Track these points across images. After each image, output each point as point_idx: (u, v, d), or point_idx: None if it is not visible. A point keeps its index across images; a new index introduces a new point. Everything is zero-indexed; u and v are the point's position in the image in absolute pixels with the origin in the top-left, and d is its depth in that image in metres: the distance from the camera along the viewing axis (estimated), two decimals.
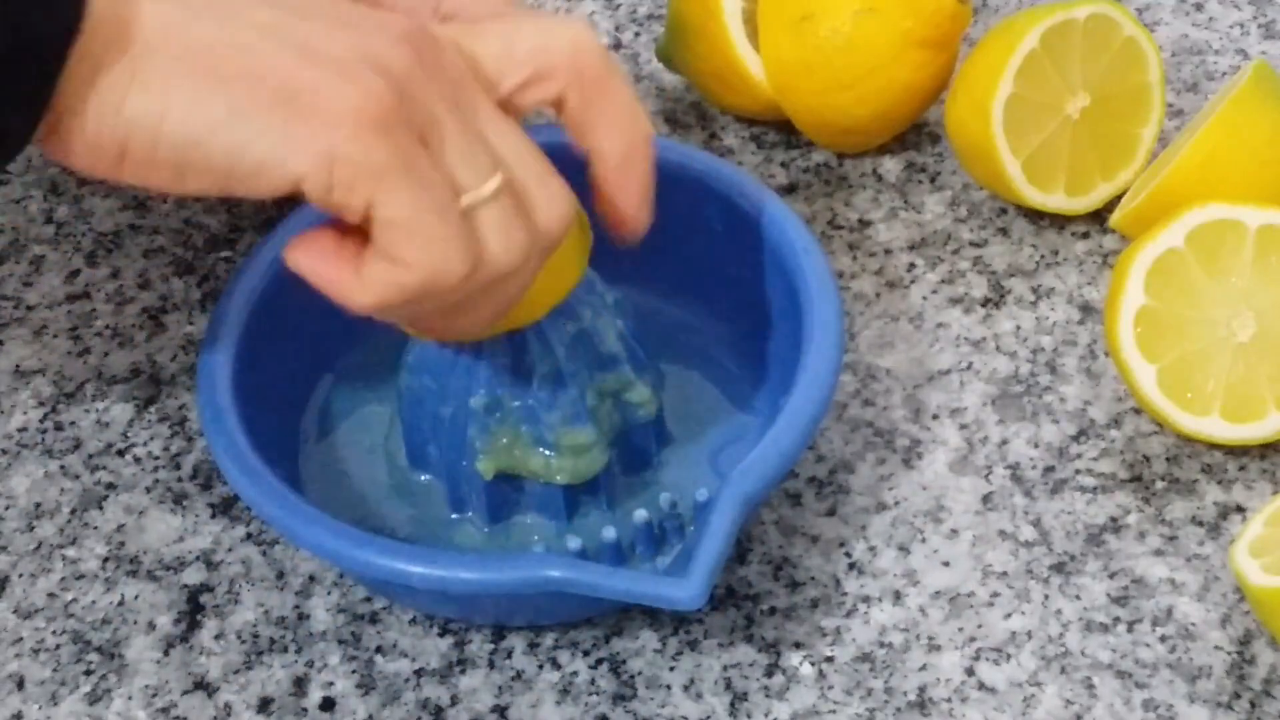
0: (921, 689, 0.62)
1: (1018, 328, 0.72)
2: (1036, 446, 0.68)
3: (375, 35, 0.52)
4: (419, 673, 0.63)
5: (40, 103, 0.50)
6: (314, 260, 0.54)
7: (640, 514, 0.62)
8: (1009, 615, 0.64)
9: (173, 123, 0.50)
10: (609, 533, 0.62)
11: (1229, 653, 0.62)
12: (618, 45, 0.85)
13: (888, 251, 0.75)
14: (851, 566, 0.65)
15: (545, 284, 0.58)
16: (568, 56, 0.56)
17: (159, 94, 0.50)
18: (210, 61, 0.50)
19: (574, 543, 0.62)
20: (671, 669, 0.63)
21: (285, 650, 0.64)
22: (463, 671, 0.63)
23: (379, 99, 0.51)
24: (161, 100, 0.50)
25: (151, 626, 0.65)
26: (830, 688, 0.62)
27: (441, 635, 0.64)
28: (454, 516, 0.64)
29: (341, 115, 0.50)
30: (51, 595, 0.66)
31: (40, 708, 0.63)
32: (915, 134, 0.80)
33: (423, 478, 0.65)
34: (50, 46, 0.49)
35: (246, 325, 0.63)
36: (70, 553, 0.67)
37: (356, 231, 0.53)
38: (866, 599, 0.64)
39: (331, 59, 0.51)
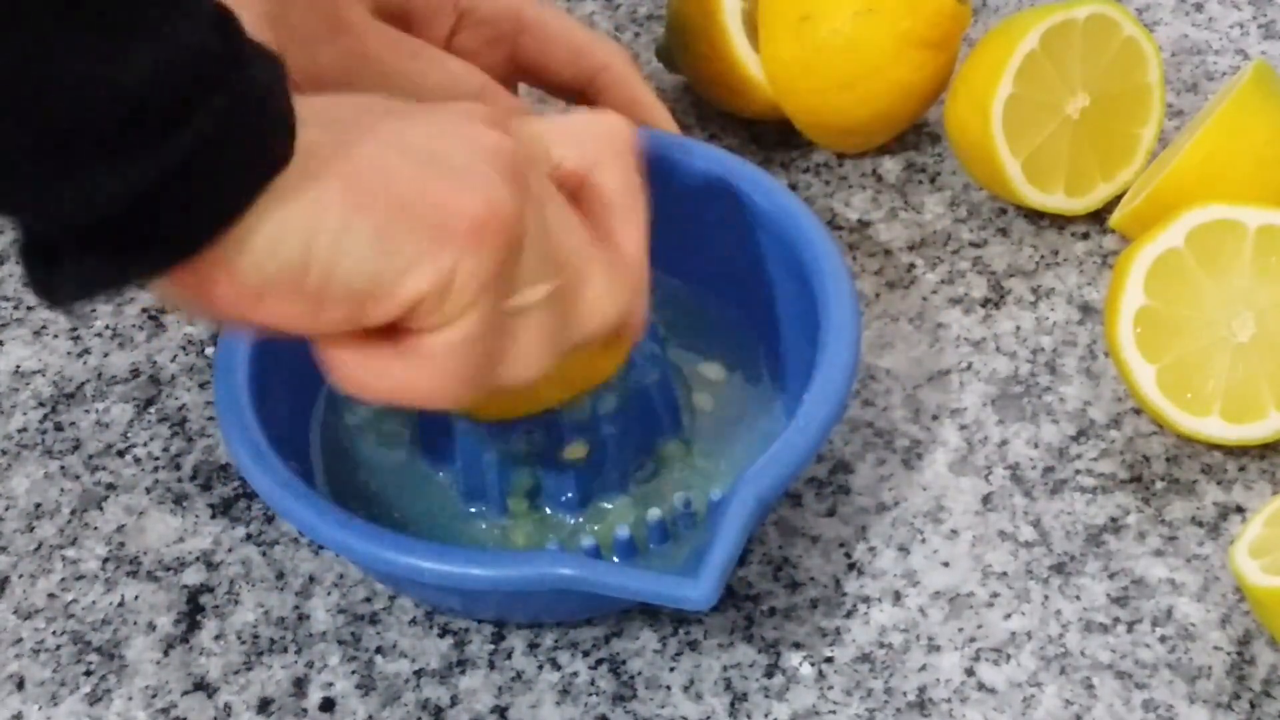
0: (921, 689, 0.62)
1: (1018, 328, 0.72)
2: (1036, 447, 0.68)
3: (474, 125, 0.52)
4: (419, 673, 0.63)
5: (212, 233, 0.47)
6: (337, 348, 0.52)
7: (654, 512, 0.63)
8: (1009, 615, 0.64)
9: (323, 250, 0.48)
10: (622, 531, 0.62)
11: (1229, 653, 0.62)
12: None
13: (888, 252, 0.75)
14: (851, 567, 0.65)
15: (577, 375, 0.60)
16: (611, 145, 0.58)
17: (316, 220, 0.48)
18: (361, 187, 0.49)
19: (587, 540, 0.62)
20: (671, 669, 0.63)
21: (285, 651, 0.64)
22: (463, 672, 0.63)
23: (503, 208, 0.50)
24: (319, 227, 0.48)
25: (151, 627, 0.65)
26: (830, 688, 0.62)
27: (441, 635, 0.64)
28: (470, 510, 0.64)
29: (469, 235, 0.50)
30: (51, 596, 0.66)
31: (40, 708, 0.63)
32: (915, 134, 0.80)
33: (436, 470, 0.65)
34: (251, 182, 0.47)
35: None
36: (70, 553, 0.67)
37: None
38: (866, 599, 0.64)
39: (458, 165, 0.51)
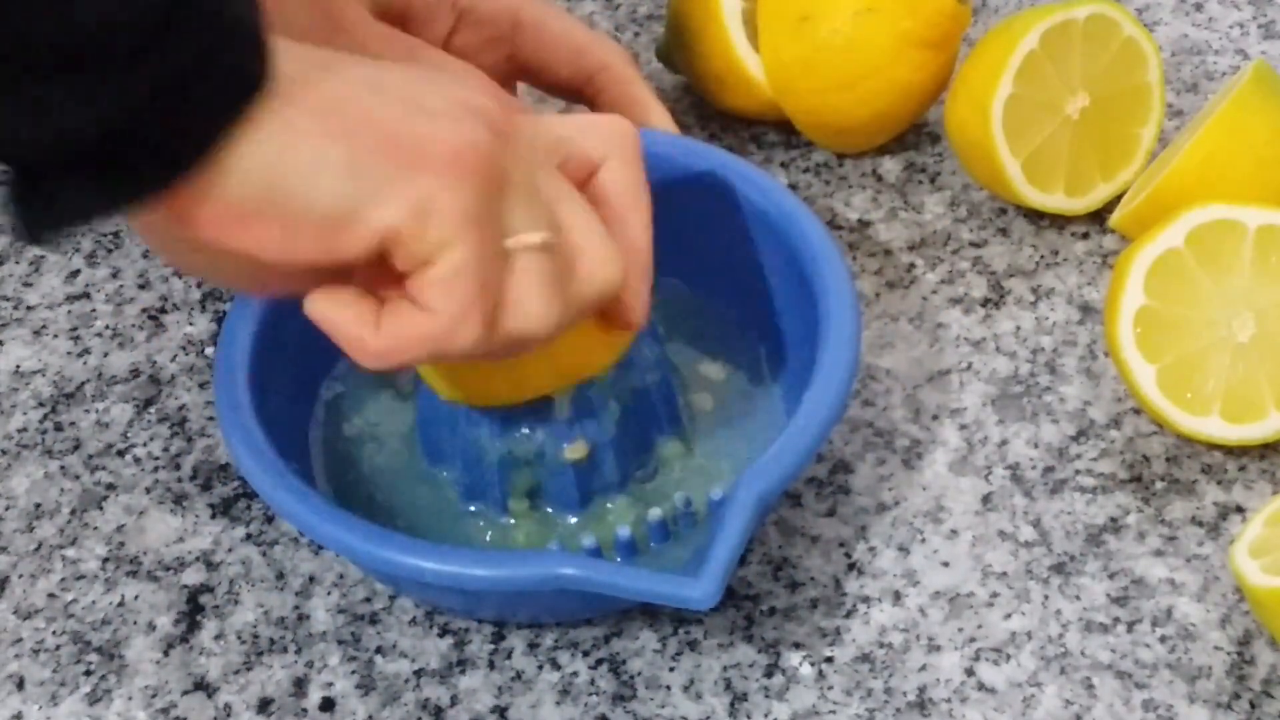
0: (921, 689, 0.62)
1: (1018, 328, 0.72)
2: (1036, 447, 0.68)
3: (465, 89, 0.53)
4: (419, 673, 0.63)
5: (193, 158, 0.48)
6: (333, 308, 0.54)
7: (655, 512, 0.63)
8: (1009, 615, 0.64)
9: (291, 175, 0.50)
10: (623, 530, 0.62)
11: (1229, 653, 0.62)
12: None
13: (888, 251, 0.75)
14: (851, 567, 0.65)
15: (574, 361, 0.60)
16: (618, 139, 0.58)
17: (293, 147, 0.49)
18: (339, 117, 0.50)
19: (588, 540, 0.62)
20: (671, 669, 0.63)
21: (285, 650, 0.64)
22: (463, 672, 0.63)
23: (480, 145, 0.51)
24: (291, 153, 0.49)
25: (151, 627, 0.65)
26: (830, 688, 0.62)
27: (441, 635, 0.64)
28: (470, 509, 0.64)
29: (445, 163, 0.51)
30: (51, 595, 0.66)
31: (40, 708, 0.63)
32: (915, 134, 0.80)
33: (436, 470, 0.65)
34: (228, 107, 0.48)
35: (263, 315, 0.64)
36: (70, 553, 0.67)
37: (375, 289, 0.54)
38: (866, 599, 0.64)
39: (435, 109, 0.52)
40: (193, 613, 0.65)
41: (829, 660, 0.63)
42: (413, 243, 0.51)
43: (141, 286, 0.76)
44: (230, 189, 0.49)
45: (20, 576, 0.66)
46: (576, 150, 0.57)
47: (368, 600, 0.65)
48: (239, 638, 0.64)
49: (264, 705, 0.62)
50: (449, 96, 0.53)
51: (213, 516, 0.68)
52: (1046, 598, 0.64)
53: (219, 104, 0.48)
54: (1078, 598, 0.64)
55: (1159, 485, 0.67)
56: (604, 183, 0.58)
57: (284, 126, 0.49)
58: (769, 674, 0.62)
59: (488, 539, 0.64)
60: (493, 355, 0.55)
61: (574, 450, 0.62)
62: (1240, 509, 0.66)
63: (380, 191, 0.50)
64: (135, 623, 0.65)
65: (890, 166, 0.79)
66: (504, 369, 0.59)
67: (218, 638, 0.64)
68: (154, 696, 0.63)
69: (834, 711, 0.61)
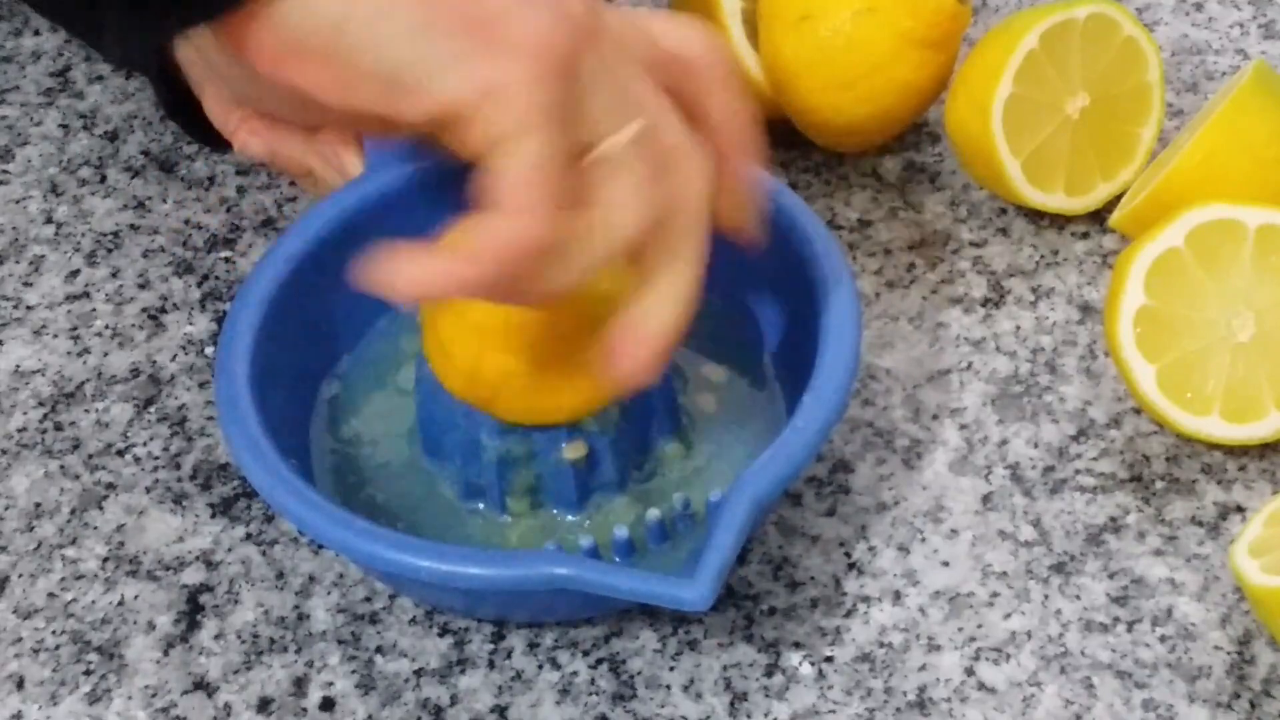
0: (921, 689, 0.62)
1: (1018, 328, 0.72)
2: (1036, 446, 0.68)
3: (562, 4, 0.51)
4: (419, 673, 0.63)
5: None
6: (410, 271, 0.50)
7: (653, 513, 0.63)
8: (1009, 615, 0.64)
9: (356, 25, 0.48)
10: (620, 531, 0.62)
11: (1229, 653, 0.62)
12: None
13: (888, 251, 0.76)
14: (851, 566, 0.65)
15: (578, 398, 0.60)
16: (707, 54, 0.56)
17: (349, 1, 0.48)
18: None
19: (586, 540, 0.62)
20: (671, 669, 0.63)
21: (285, 650, 0.64)
22: (462, 671, 0.63)
23: (562, 39, 0.49)
24: (366, 5, 0.48)
25: (151, 626, 0.65)
26: (830, 688, 0.62)
27: (441, 635, 0.64)
28: (469, 508, 0.64)
29: (521, 49, 0.49)
30: (51, 595, 0.66)
31: (40, 708, 0.63)
32: (915, 134, 0.80)
33: (435, 468, 0.65)
34: None
35: (264, 314, 0.64)
36: (70, 553, 0.67)
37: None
38: (866, 599, 0.64)
39: (533, 2, 0.49)
40: (193, 612, 0.65)
41: (829, 660, 0.63)
42: (483, 124, 0.49)
43: (141, 286, 0.76)
44: (294, 25, 0.48)
45: (20, 576, 0.66)
46: (663, 53, 0.54)
47: (368, 600, 0.65)
48: (239, 637, 0.64)
49: (264, 705, 0.62)
50: None
51: (213, 516, 0.68)
52: (1046, 597, 0.64)
53: None
54: (1078, 597, 0.64)
55: (1159, 485, 0.67)
56: (694, 91, 0.55)
57: None
58: (769, 674, 0.62)
59: (487, 538, 0.64)
60: (581, 274, 0.52)
61: (572, 450, 0.62)
62: (1240, 509, 0.66)
63: (451, 64, 0.48)
64: (135, 622, 0.65)
65: (890, 166, 0.79)
66: (547, 389, 0.59)
67: (218, 637, 0.64)
68: (154, 696, 0.63)
69: (834, 711, 0.61)
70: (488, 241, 0.50)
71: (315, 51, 0.48)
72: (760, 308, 0.68)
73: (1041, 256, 0.75)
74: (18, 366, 0.73)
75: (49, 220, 0.78)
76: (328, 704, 0.62)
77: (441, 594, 0.62)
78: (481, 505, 0.64)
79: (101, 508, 0.68)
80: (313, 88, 0.50)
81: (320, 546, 0.66)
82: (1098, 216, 0.76)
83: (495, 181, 0.49)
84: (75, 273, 0.76)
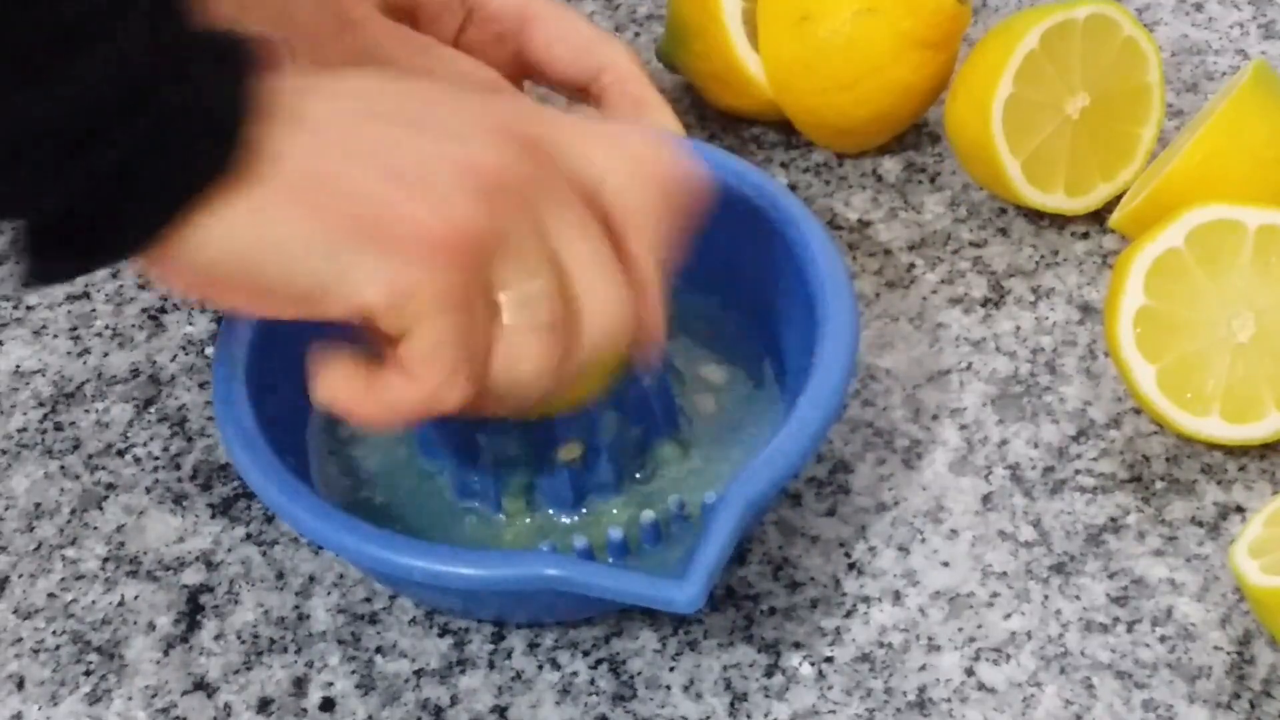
0: (921, 689, 0.62)
1: (1018, 328, 0.72)
2: (1036, 446, 0.68)
3: (482, 137, 0.52)
4: (419, 673, 0.63)
5: (169, 220, 0.50)
6: (330, 382, 0.55)
7: (648, 514, 0.63)
8: (1009, 615, 0.64)
9: (269, 253, 0.50)
10: (615, 532, 0.62)
11: (1229, 653, 0.62)
12: None
13: (888, 251, 0.75)
14: (851, 566, 0.65)
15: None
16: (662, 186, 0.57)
17: (266, 225, 0.50)
18: (314, 194, 0.50)
19: (580, 541, 0.62)
20: (671, 669, 0.63)
21: (285, 650, 0.64)
22: (463, 671, 0.63)
23: (465, 227, 0.51)
24: (267, 232, 0.50)
25: (151, 627, 0.65)
26: (830, 688, 0.62)
27: (441, 635, 0.64)
28: (465, 509, 0.64)
29: (425, 246, 0.51)
30: (51, 595, 0.66)
31: (40, 708, 0.63)
32: (915, 134, 0.80)
33: (432, 469, 0.65)
34: (203, 175, 0.49)
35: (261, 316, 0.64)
36: (70, 553, 0.67)
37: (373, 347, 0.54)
38: (866, 599, 0.64)
39: (429, 183, 0.51)
40: (193, 613, 0.65)
41: (829, 660, 0.63)
42: (391, 317, 0.52)
43: (141, 286, 0.76)
44: (200, 259, 0.50)
45: (20, 576, 0.66)
46: (597, 163, 0.56)
47: (368, 600, 0.65)
48: (239, 638, 0.64)
49: (264, 705, 0.62)
50: (457, 159, 0.52)
51: (213, 516, 0.68)
52: (1046, 598, 0.64)
53: (170, 191, 0.49)
54: (1078, 598, 0.64)
55: (1159, 485, 0.67)
56: (616, 205, 0.56)
57: (256, 206, 0.50)
58: (769, 674, 0.62)
59: (482, 537, 0.64)
60: (503, 405, 0.55)
61: (568, 450, 0.62)
62: (1240, 509, 0.66)
63: (354, 273, 0.51)
64: (135, 623, 0.65)
65: (890, 166, 0.79)
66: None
67: (218, 638, 0.64)
68: (154, 696, 0.63)
69: (834, 711, 0.61)
70: (389, 400, 0.54)
71: (228, 279, 0.51)
72: (760, 309, 0.68)
73: (1041, 256, 0.75)
74: (18, 366, 0.73)
75: None
76: (328, 704, 0.62)
77: (437, 594, 0.62)
78: (477, 505, 0.64)
79: (101, 508, 0.68)
80: (234, 306, 0.53)
81: (320, 547, 0.66)
82: (1098, 216, 0.76)
83: (405, 353, 0.53)
84: None
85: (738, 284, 0.68)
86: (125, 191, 0.48)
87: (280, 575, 0.66)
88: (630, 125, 0.59)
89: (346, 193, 0.51)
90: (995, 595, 0.64)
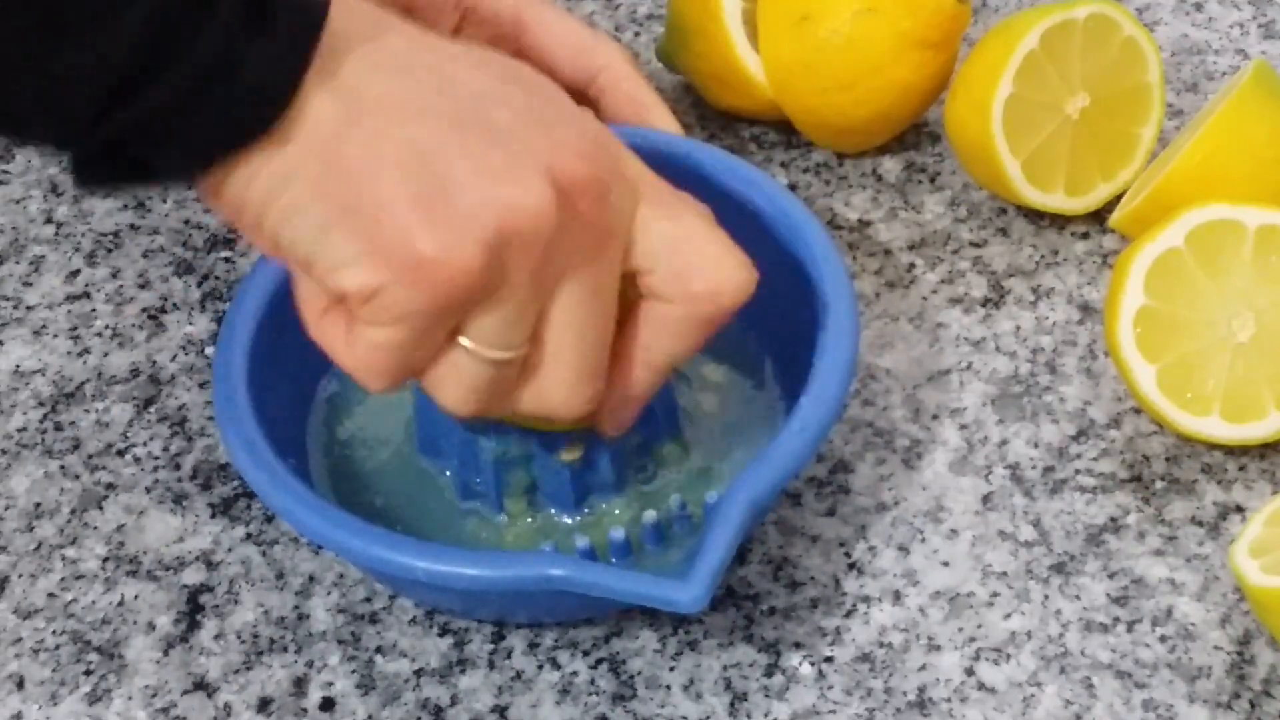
0: (921, 689, 0.62)
1: (1017, 328, 0.72)
2: (1036, 446, 0.68)
3: (534, 171, 0.52)
4: (419, 673, 0.63)
5: (214, 154, 0.51)
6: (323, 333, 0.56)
7: (650, 514, 0.63)
8: (1009, 615, 0.64)
9: (275, 214, 0.52)
10: (617, 532, 0.62)
11: (1229, 653, 0.62)
12: None
13: (888, 251, 0.76)
14: (851, 566, 0.65)
15: None
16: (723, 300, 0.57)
17: (278, 188, 0.51)
18: (331, 181, 0.51)
19: (582, 541, 0.62)
20: (671, 669, 0.63)
21: (285, 650, 0.64)
22: (463, 671, 0.63)
23: (458, 270, 0.51)
24: (277, 195, 0.51)
25: (151, 626, 0.65)
26: (830, 688, 0.62)
27: (441, 635, 0.64)
28: (467, 509, 0.64)
29: (409, 266, 0.51)
30: (51, 595, 0.66)
31: (40, 708, 0.63)
32: (915, 134, 0.80)
33: (433, 469, 0.65)
34: (237, 130, 0.51)
35: (262, 313, 0.64)
36: (70, 553, 0.67)
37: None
38: (866, 599, 0.64)
39: (448, 214, 0.51)
40: (193, 612, 0.65)
41: (829, 660, 0.63)
42: (355, 303, 0.53)
43: (141, 286, 0.76)
44: (232, 197, 0.52)
45: (20, 576, 0.66)
46: (652, 256, 0.56)
47: (368, 600, 0.65)
48: (239, 637, 0.64)
49: (264, 705, 0.62)
50: (488, 194, 0.51)
51: (213, 516, 0.68)
52: (1046, 597, 0.64)
53: (202, 143, 0.51)
54: (1078, 597, 0.64)
55: (1159, 485, 0.67)
56: (649, 308, 0.57)
57: (276, 170, 0.51)
58: (769, 674, 0.62)
59: (484, 538, 0.64)
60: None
61: (569, 451, 0.62)
62: (1240, 509, 0.66)
63: (335, 254, 0.52)
64: (135, 622, 0.65)
65: (890, 166, 0.79)
66: None
67: (218, 637, 0.64)
68: (154, 696, 0.63)
69: (834, 711, 0.61)
70: (333, 353, 0.55)
71: (248, 222, 0.53)
72: (760, 309, 0.68)
73: (1041, 256, 0.75)
74: (18, 366, 0.73)
75: (49, 220, 0.78)
76: (328, 704, 0.62)
77: (438, 594, 0.62)
78: (479, 506, 0.64)
79: (101, 508, 0.68)
80: (253, 242, 0.54)
81: (320, 547, 0.66)
82: (1098, 216, 0.76)
83: (356, 328, 0.54)
84: (75, 273, 0.76)
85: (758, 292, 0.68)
86: (162, 137, 0.50)
87: (280, 575, 0.66)
88: (721, 238, 0.58)
89: (362, 190, 0.51)
90: (995, 595, 0.64)
